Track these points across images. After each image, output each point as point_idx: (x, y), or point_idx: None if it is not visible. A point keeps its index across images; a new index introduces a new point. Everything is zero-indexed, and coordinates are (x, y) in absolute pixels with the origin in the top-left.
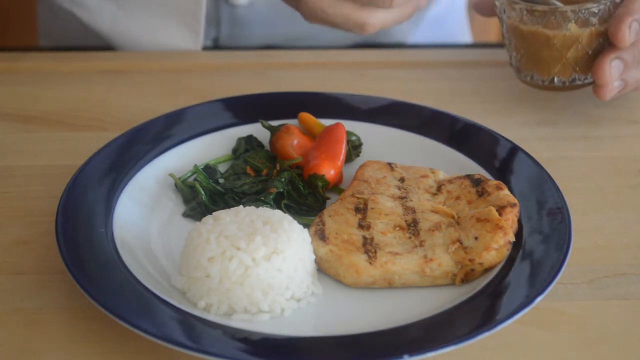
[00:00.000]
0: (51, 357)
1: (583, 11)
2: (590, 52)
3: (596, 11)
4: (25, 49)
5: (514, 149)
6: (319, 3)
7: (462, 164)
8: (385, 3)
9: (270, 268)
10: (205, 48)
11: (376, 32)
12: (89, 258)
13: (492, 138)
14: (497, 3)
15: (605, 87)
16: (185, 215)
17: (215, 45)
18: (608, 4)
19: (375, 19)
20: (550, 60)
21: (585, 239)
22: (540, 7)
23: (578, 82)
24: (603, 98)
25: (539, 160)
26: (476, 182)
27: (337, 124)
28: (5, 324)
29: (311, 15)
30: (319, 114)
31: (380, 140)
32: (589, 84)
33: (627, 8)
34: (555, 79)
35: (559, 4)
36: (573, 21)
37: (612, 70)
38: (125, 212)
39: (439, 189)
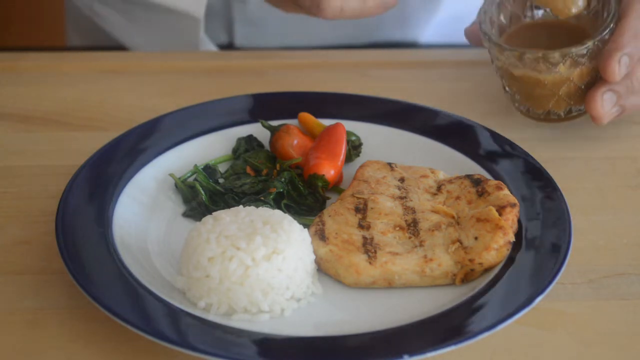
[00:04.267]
0: (51, 357)
1: (571, 53)
2: (583, 87)
3: (584, 52)
4: (25, 49)
5: (514, 149)
6: None
7: (462, 164)
8: None
9: (270, 268)
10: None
11: (334, 17)
12: (89, 258)
13: (492, 138)
14: (485, 44)
15: (600, 118)
16: (185, 215)
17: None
18: (596, 42)
19: (333, 0)
20: (544, 97)
21: (585, 239)
22: (528, 54)
23: (575, 113)
24: (600, 124)
25: (539, 161)
26: (476, 182)
27: (337, 124)
28: (5, 324)
29: None
30: (319, 114)
31: (380, 140)
32: (586, 112)
33: (616, 43)
34: (551, 112)
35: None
36: (562, 64)
37: (605, 102)
38: (125, 212)
39: (439, 189)
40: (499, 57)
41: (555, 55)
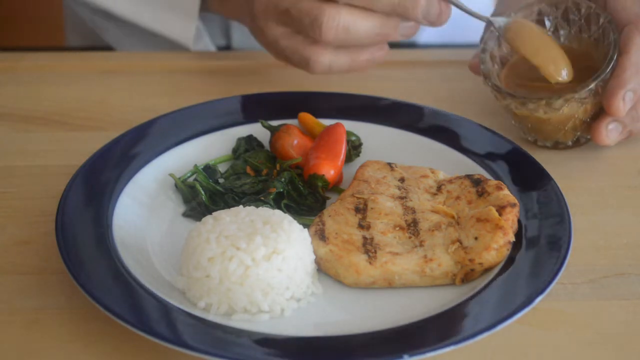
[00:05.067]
0: (51, 357)
1: (575, 97)
2: (588, 120)
3: (586, 95)
4: (25, 49)
5: (514, 149)
6: (273, 31)
7: (462, 164)
8: (315, 33)
9: (270, 268)
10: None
11: (322, 73)
12: (89, 258)
13: (492, 138)
14: (487, 85)
15: (608, 145)
16: (185, 215)
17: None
18: (598, 82)
19: (322, 57)
20: (550, 131)
21: (585, 239)
22: (530, 103)
23: (583, 140)
24: (607, 146)
25: (539, 160)
26: (476, 182)
27: (337, 124)
28: (5, 324)
29: (264, 42)
30: (319, 114)
31: (380, 140)
32: None
33: (619, 80)
34: (559, 143)
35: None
36: (565, 107)
37: (610, 133)
38: (125, 212)
39: (439, 189)
40: (501, 101)
41: (559, 101)
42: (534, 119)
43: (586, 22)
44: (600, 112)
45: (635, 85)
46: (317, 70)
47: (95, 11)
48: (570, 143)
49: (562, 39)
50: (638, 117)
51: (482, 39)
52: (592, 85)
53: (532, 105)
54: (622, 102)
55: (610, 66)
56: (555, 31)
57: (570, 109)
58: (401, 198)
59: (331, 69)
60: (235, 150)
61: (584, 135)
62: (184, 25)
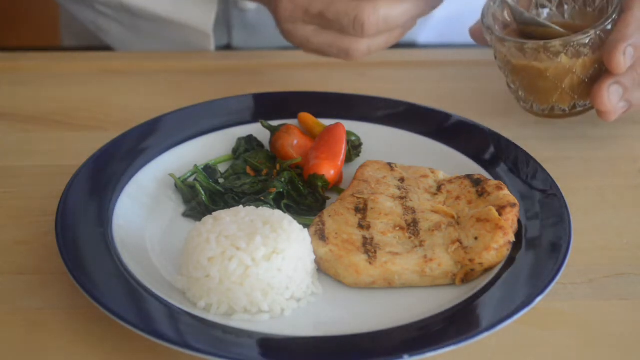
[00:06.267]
0: (51, 357)
1: (572, 43)
2: (587, 80)
3: (586, 42)
4: (25, 49)
5: (514, 149)
6: (302, 32)
7: (462, 164)
8: (357, 32)
9: (270, 268)
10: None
11: (363, 58)
12: (89, 258)
13: (492, 138)
14: (487, 37)
15: (608, 113)
16: (185, 215)
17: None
18: (598, 32)
19: (360, 45)
20: (547, 90)
21: (585, 239)
22: (529, 44)
23: (579, 108)
24: (607, 120)
25: (539, 160)
26: (476, 182)
27: (337, 124)
28: (5, 324)
29: (294, 42)
30: (319, 114)
31: (380, 140)
32: (591, 108)
33: (620, 33)
34: (555, 107)
35: (548, 23)
36: (563, 54)
37: (611, 96)
38: (125, 212)
39: (439, 189)
40: (501, 50)
41: (556, 44)
42: (532, 72)
43: None
44: (600, 75)
45: (637, 41)
46: (358, 58)
47: (100, 13)
48: (567, 109)
49: (565, 16)
50: (639, 81)
51: (485, 5)
52: (592, 33)
53: (531, 46)
54: (623, 57)
55: (612, 18)
56: (560, 6)
57: (569, 60)
58: (401, 198)
59: (370, 52)
60: (235, 150)
61: (581, 102)
62: (203, 8)
